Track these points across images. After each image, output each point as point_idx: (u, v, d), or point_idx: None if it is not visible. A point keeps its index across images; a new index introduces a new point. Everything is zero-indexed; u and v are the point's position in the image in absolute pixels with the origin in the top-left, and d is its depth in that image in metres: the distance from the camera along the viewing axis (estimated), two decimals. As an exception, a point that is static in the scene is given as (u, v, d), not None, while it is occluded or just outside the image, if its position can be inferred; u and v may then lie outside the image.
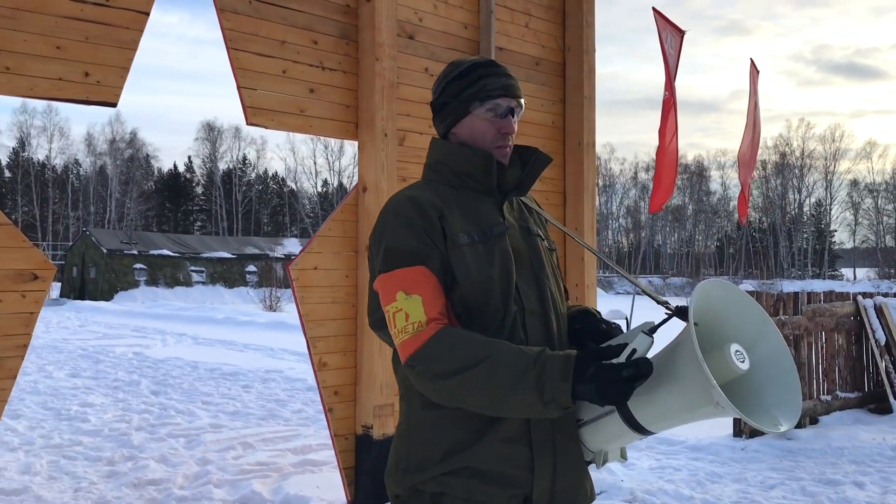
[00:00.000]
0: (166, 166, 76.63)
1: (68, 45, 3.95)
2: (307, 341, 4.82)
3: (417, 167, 5.25)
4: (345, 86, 5.00)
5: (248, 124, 4.62)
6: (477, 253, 1.84)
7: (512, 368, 1.69)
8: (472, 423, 1.79)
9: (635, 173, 77.86)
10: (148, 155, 71.60)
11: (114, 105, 4.14)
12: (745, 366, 1.73)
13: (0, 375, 3.78)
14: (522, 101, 1.98)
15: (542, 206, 2.19)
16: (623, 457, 1.91)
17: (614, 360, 1.68)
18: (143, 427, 7.46)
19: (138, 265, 33.89)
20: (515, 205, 2.01)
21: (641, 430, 1.78)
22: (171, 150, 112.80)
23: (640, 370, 1.65)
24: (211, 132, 72.02)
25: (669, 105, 7.43)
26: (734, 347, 1.73)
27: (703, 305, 1.77)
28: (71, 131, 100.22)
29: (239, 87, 4.54)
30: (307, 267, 4.81)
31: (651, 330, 1.72)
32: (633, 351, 1.69)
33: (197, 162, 75.48)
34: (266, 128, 4.68)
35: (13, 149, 67.04)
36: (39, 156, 67.19)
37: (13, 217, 64.85)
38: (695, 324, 1.77)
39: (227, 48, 4.50)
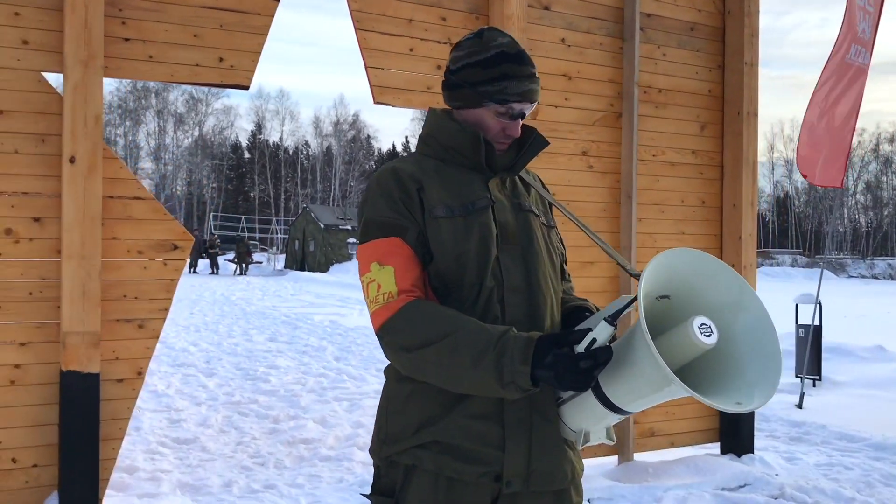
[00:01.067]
0: (385, 146, 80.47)
1: (205, 32, 4.27)
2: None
3: (551, 141, 5.17)
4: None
5: (375, 103, 4.76)
6: (455, 226, 1.81)
7: (473, 347, 1.66)
8: (441, 398, 1.78)
9: (877, 145, 70.92)
10: (369, 136, 75.63)
11: (246, 87, 4.43)
12: (710, 340, 1.59)
13: (145, 335, 4.21)
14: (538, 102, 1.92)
15: (546, 189, 2.09)
16: (609, 438, 1.81)
17: (575, 348, 1.62)
18: (314, 389, 7.98)
19: (351, 239, 35.93)
20: (509, 183, 1.95)
21: (618, 410, 1.70)
22: (390, 130, 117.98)
23: (598, 360, 1.59)
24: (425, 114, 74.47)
25: (861, 70, 6.72)
26: (699, 321, 1.60)
27: (672, 277, 1.64)
28: (300, 115, 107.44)
29: (366, 67, 4.68)
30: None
31: (613, 316, 1.62)
32: (594, 340, 1.60)
33: (413, 142, 78.61)
34: (393, 106, 4.80)
35: (251, 131, 73.46)
36: (274, 137, 73.06)
37: (251, 194, 71.20)
38: (666, 297, 1.65)
39: (355, 29, 4.65)
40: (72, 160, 3.89)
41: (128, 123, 74.87)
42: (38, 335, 3.96)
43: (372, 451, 1.89)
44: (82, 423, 3.94)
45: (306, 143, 74.19)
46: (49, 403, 3.97)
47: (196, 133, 71.68)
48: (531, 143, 1.92)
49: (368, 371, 9.17)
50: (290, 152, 73.08)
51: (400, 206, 1.82)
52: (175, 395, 7.54)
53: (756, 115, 5.84)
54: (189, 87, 67.95)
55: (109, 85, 71.27)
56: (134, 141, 76.14)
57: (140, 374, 4.20)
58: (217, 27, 4.30)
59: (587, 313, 1.90)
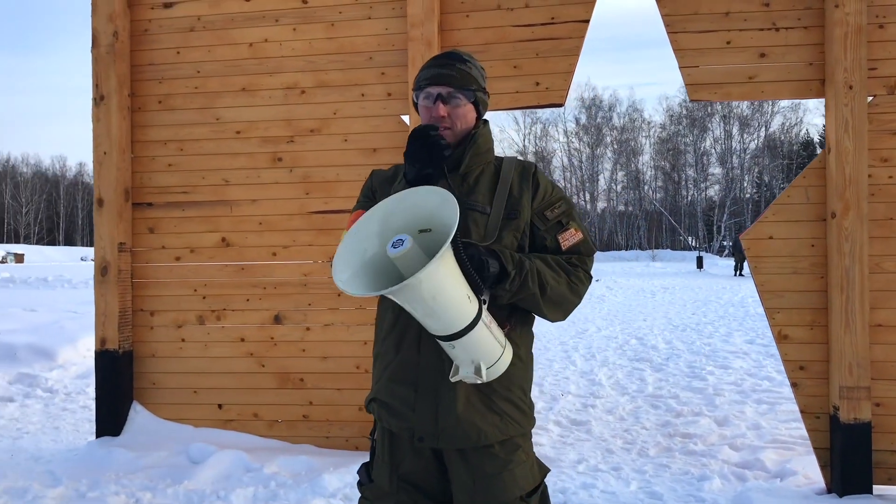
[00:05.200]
0: None
1: (523, 62, 4.95)
2: (765, 311, 4.74)
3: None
4: (806, 42, 4.67)
5: (690, 100, 4.82)
6: None
7: None
8: (382, 362, 2.23)
9: None
10: None
11: (561, 105, 4.95)
12: (395, 250, 1.88)
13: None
14: (447, 89, 2.19)
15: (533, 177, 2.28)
16: (477, 374, 1.99)
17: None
18: (745, 391, 7.84)
19: None
20: (472, 180, 2.22)
21: (439, 338, 2.00)
22: None
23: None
24: None
25: None
26: (397, 237, 1.91)
27: (419, 214, 1.97)
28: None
29: (680, 68, 4.79)
30: (760, 236, 4.72)
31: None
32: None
33: None
34: (710, 101, 4.80)
35: (823, 125, 69.30)
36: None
37: None
38: (427, 230, 1.98)
39: (667, 33, 4.80)
40: (416, 182, 4.94)
41: (695, 132, 77.46)
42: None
43: None
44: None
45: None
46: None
47: (762, 134, 70.72)
48: (471, 140, 2.21)
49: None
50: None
51: (364, 200, 2.31)
52: (609, 385, 8.23)
53: None
54: (752, 89, 67.48)
55: (678, 97, 74.42)
56: (703, 148, 78.41)
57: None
58: (533, 56, 4.94)
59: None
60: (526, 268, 2.09)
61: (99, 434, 5.31)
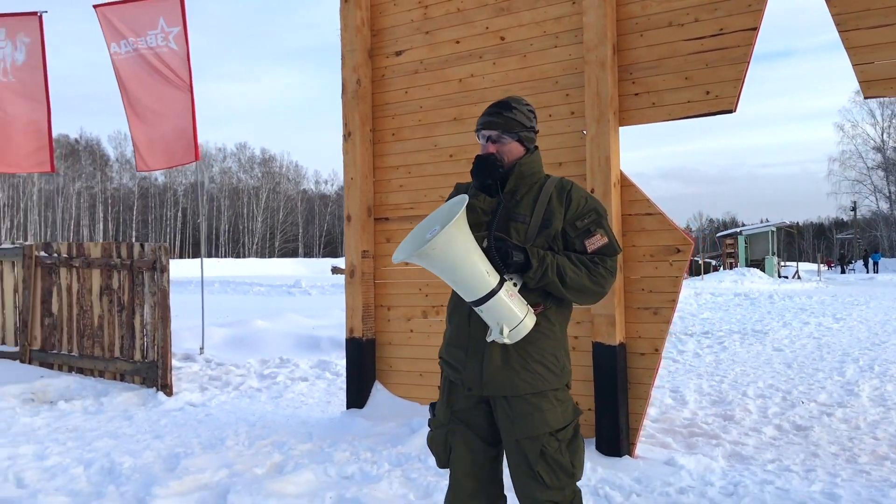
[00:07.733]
0: None
1: (693, 73, 5.22)
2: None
3: None
4: None
5: (865, 98, 4.72)
6: None
7: None
8: (446, 330, 3.00)
9: None
10: None
11: (731, 111, 5.11)
12: (429, 235, 2.57)
13: (659, 320, 5.36)
14: (495, 132, 2.89)
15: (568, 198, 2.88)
16: (502, 334, 2.65)
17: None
18: None
19: None
20: (521, 196, 2.88)
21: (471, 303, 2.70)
22: None
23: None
24: None
25: None
26: (434, 229, 2.59)
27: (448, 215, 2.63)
28: None
29: (853, 66, 4.73)
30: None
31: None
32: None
33: None
34: (886, 97, 4.66)
35: None
36: None
37: None
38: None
39: (839, 32, 4.77)
40: (591, 191, 5.42)
41: None
42: (586, 316, 5.61)
43: None
44: (607, 382, 5.39)
45: None
46: (590, 365, 5.54)
47: None
48: (516, 167, 2.88)
49: None
50: None
51: None
52: (868, 397, 7.76)
53: None
54: None
55: None
56: None
57: (657, 351, 5.37)
58: (703, 67, 5.18)
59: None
60: (547, 262, 2.75)
61: (348, 406, 6.53)
